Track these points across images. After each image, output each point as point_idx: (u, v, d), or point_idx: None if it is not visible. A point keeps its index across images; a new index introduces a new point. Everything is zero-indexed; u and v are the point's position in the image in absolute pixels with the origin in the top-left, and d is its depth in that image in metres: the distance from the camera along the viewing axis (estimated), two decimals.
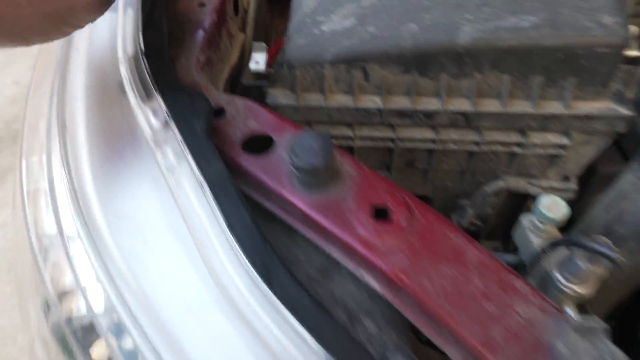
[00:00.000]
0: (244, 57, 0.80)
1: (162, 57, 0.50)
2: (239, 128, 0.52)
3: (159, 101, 0.47)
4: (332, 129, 0.70)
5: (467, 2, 0.61)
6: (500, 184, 0.76)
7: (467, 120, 0.66)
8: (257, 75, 0.69)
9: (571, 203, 0.75)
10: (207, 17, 0.68)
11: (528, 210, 0.89)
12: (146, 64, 0.49)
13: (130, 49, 0.50)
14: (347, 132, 0.69)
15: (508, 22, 0.59)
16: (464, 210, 0.80)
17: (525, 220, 0.71)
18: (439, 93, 0.64)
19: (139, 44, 0.50)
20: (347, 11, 0.64)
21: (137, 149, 0.45)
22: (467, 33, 0.59)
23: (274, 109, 0.67)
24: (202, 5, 0.70)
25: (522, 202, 0.84)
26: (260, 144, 0.53)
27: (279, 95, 0.66)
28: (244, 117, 0.53)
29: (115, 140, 0.45)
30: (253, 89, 0.69)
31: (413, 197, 0.48)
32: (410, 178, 0.81)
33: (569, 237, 0.58)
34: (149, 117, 0.46)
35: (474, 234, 0.92)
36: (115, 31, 0.52)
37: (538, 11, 0.59)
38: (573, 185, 0.76)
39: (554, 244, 0.60)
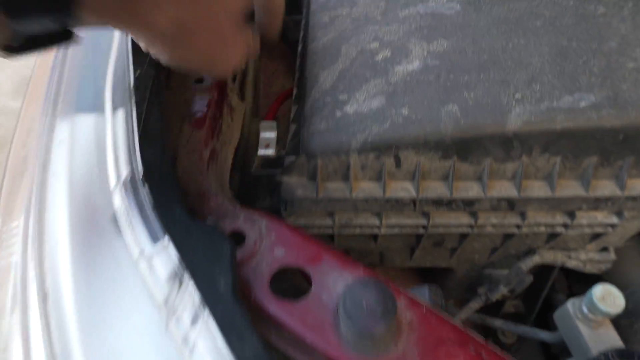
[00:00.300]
0: (244, 129, 0.68)
1: (166, 177, 0.38)
2: (264, 260, 0.40)
3: (167, 246, 0.35)
4: (355, 217, 0.59)
5: (514, 77, 0.51)
6: (536, 259, 0.67)
7: (510, 205, 0.56)
8: (268, 162, 0.58)
9: None
10: (207, 95, 0.56)
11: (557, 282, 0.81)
12: (147, 192, 0.37)
13: (124, 170, 0.38)
14: (374, 221, 0.59)
15: (563, 102, 0.49)
16: (495, 287, 0.70)
17: (573, 306, 0.62)
18: (480, 177, 0.54)
19: (136, 162, 0.38)
20: (374, 88, 0.53)
21: (142, 317, 0.33)
22: (517, 116, 0.49)
23: (291, 203, 0.56)
24: (199, 81, 0.58)
25: (548, 267, 0.76)
26: (290, 278, 0.42)
27: (296, 186, 0.55)
28: (269, 243, 0.42)
29: (112, 305, 0.33)
30: (264, 177, 0.58)
31: (487, 348, 0.38)
32: (434, 254, 0.71)
33: None
34: (157, 269, 0.34)
35: (500, 302, 0.83)
36: (104, 144, 0.39)
37: (596, 87, 0.50)
38: (612, 256, 0.68)
39: (623, 355, 0.51)
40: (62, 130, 0.41)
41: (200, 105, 0.55)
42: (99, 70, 0.44)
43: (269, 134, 0.58)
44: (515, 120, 0.49)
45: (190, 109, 0.54)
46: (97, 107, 0.42)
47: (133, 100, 0.41)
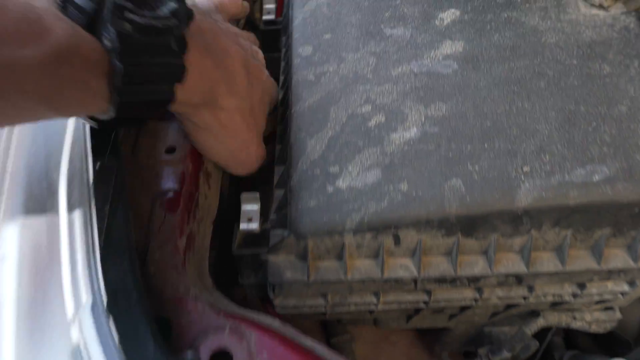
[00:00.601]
0: (223, 191, 0.62)
1: (136, 303, 0.32)
2: None
3: None
4: (350, 296, 0.54)
5: (521, 147, 0.47)
6: (540, 322, 0.63)
7: (518, 280, 0.52)
8: (252, 238, 0.52)
9: None
10: (180, 168, 0.50)
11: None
12: (113, 322, 0.31)
13: (84, 294, 0.31)
14: (371, 298, 0.53)
15: (576, 176, 0.45)
16: (497, 350, 0.66)
17: None
18: (486, 252, 0.50)
19: (99, 283, 0.32)
20: (369, 159, 0.48)
21: None
22: (527, 191, 0.45)
23: (280, 287, 0.50)
24: (171, 150, 0.51)
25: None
26: None
27: (284, 267, 0.49)
28: None
29: None
30: (247, 257, 0.52)
31: None
32: (432, 318, 0.67)
33: None
34: None
35: None
36: (59, 258, 0.33)
37: (609, 158, 0.46)
38: (617, 315, 0.65)
39: None
40: (7, 241, 0.34)
41: (172, 181, 0.48)
42: (51, 158, 0.37)
43: (251, 207, 0.52)
44: (525, 196, 0.45)
45: (161, 186, 0.48)
46: (49, 207, 0.35)
47: (93, 202, 0.34)
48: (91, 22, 0.33)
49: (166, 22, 0.35)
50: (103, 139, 0.38)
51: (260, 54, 0.56)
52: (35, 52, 0.29)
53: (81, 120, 0.39)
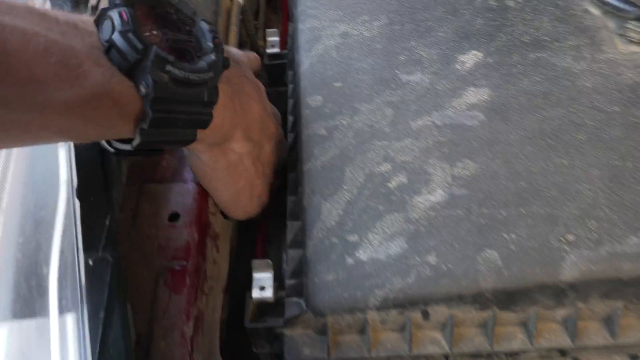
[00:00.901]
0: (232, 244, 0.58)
1: None
2: None
3: None
4: None
5: (562, 212, 0.41)
6: None
7: (561, 353, 0.46)
8: (265, 309, 0.47)
9: None
10: (184, 237, 0.46)
11: None
12: None
13: None
14: None
15: (628, 245, 0.40)
16: None
17: None
18: (525, 324, 0.44)
19: None
20: (391, 227, 0.43)
21: None
22: (572, 264, 0.40)
23: None
24: (174, 217, 0.47)
25: None
26: None
27: (302, 343, 0.44)
28: None
29: None
30: (261, 330, 0.47)
31: None
32: None
33: None
34: None
35: None
36: None
37: None
38: None
39: None
40: None
41: (177, 255, 0.44)
42: (41, 250, 0.33)
43: (264, 274, 0.48)
44: (571, 269, 0.40)
45: (165, 261, 0.44)
46: (39, 310, 0.31)
47: (85, 307, 0.30)
48: (131, 69, 0.33)
49: (202, 75, 0.36)
50: (96, 229, 0.34)
51: (278, 115, 0.56)
52: (68, 96, 0.30)
53: (72, 206, 0.35)
